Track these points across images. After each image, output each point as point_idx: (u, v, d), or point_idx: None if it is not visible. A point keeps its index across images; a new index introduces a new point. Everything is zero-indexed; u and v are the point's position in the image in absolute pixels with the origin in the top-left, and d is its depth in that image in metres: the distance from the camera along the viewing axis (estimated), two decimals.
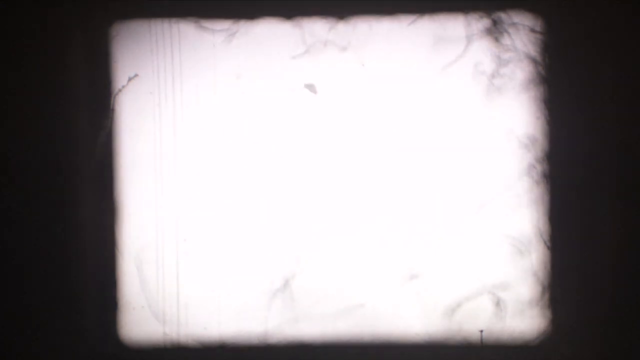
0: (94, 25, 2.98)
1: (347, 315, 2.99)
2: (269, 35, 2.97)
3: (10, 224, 2.99)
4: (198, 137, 3.00)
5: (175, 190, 3.01)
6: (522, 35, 2.91)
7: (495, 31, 2.92)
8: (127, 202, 3.01)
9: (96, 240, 3.00)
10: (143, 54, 2.99)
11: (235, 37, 2.97)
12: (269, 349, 3.00)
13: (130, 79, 2.97)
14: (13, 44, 2.96)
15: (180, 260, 3.01)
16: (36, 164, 2.97)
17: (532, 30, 2.90)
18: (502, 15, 2.91)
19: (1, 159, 2.98)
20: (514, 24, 2.91)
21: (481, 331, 2.95)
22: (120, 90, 2.98)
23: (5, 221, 2.99)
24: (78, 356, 3.01)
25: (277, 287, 3.00)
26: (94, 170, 2.99)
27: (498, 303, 2.94)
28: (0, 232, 2.99)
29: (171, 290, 3.01)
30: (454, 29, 2.92)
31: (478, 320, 2.95)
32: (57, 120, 2.97)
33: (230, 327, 3.01)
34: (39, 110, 2.97)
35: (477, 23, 2.91)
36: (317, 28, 2.96)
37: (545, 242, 2.92)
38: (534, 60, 2.91)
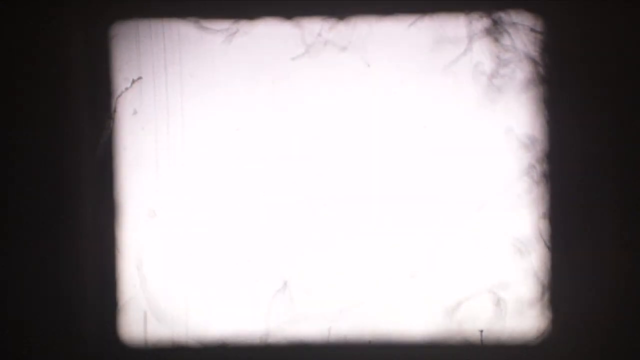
0: (94, 25, 2.98)
1: (347, 315, 2.99)
2: (269, 35, 2.97)
3: (10, 223, 2.99)
4: (198, 138, 3.00)
5: (176, 191, 3.01)
6: (522, 35, 2.91)
7: (495, 31, 2.92)
8: (127, 202, 3.01)
9: (96, 240, 3.00)
10: (143, 54, 2.99)
11: (235, 37, 2.98)
12: (269, 349, 3.00)
13: (134, 81, 2.97)
14: (13, 44, 2.97)
15: (180, 261, 3.01)
16: (37, 164, 2.97)
17: (532, 30, 2.90)
18: (502, 15, 2.91)
19: (2, 159, 2.98)
20: (514, 24, 2.91)
21: (481, 331, 2.95)
22: (123, 92, 2.98)
23: (5, 221, 2.99)
24: (78, 356, 3.00)
25: (277, 287, 3.00)
26: (94, 170, 2.99)
27: (498, 303, 2.94)
28: (1, 232, 2.99)
29: (171, 290, 3.01)
30: (455, 29, 2.92)
31: (478, 320, 2.96)
32: (57, 120, 2.97)
33: (230, 327, 3.01)
34: (39, 109, 2.97)
35: (477, 23, 2.92)
36: (317, 28, 2.96)
37: (545, 242, 2.92)
38: (534, 60, 2.91)
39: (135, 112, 2.99)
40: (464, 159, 2.95)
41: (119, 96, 2.99)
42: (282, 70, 2.97)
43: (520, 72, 2.92)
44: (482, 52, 2.92)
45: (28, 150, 2.97)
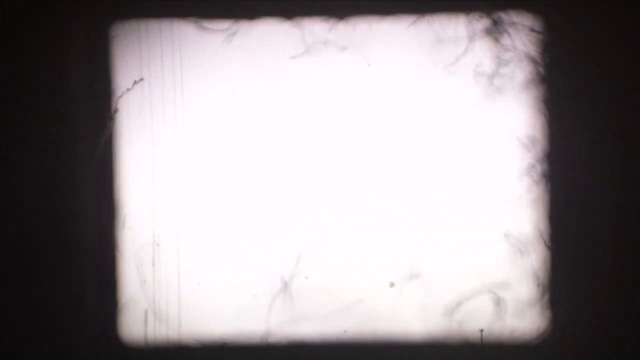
0: (94, 26, 2.98)
1: (347, 315, 2.99)
2: (269, 35, 2.97)
3: (10, 223, 2.99)
4: (198, 138, 3.00)
5: (176, 191, 3.01)
6: (522, 35, 2.91)
7: (495, 31, 2.92)
8: (126, 202, 3.01)
9: (96, 240, 3.00)
10: (144, 54, 2.99)
11: (235, 37, 2.97)
12: (269, 348, 3.00)
13: (135, 82, 2.97)
14: (13, 44, 2.96)
15: (180, 260, 3.01)
16: (36, 164, 2.97)
17: (532, 30, 2.90)
18: (502, 15, 2.91)
19: (1, 159, 2.98)
20: (514, 24, 2.91)
21: (481, 331, 2.95)
22: (124, 92, 2.98)
23: (5, 221, 2.99)
24: (78, 356, 3.00)
25: (277, 287, 3.00)
26: (94, 170, 2.99)
27: (498, 302, 2.94)
28: (0, 232, 2.99)
29: (171, 290, 3.01)
30: (454, 29, 2.92)
31: (478, 319, 2.96)
32: (57, 120, 2.97)
33: (230, 327, 3.01)
34: (39, 110, 2.97)
35: (477, 23, 2.92)
36: (317, 28, 2.96)
37: (545, 242, 2.92)
38: (534, 60, 2.91)
39: (135, 112, 2.99)
40: (464, 159, 2.95)
41: (120, 96, 2.99)
42: (282, 70, 2.97)
43: (520, 72, 2.92)
44: (482, 52, 2.92)
45: (28, 150, 2.97)
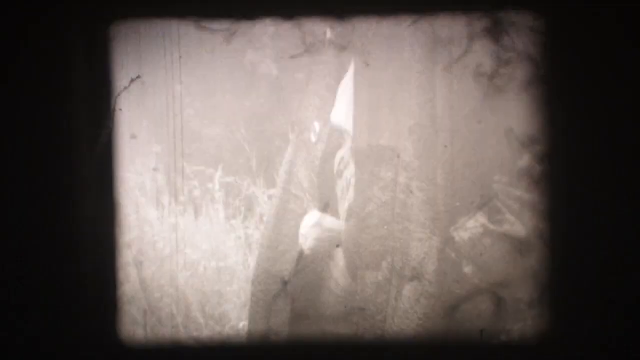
0: (94, 25, 2.98)
1: (347, 315, 2.99)
2: (269, 35, 2.97)
3: (10, 223, 2.99)
4: (198, 137, 3.00)
5: (176, 190, 3.01)
6: (522, 35, 2.91)
7: (495, 31, 2.92)
8: (127, 202, 3.01)
9: (96, 240, 3.00)
10: (143, 54, 2.99)
11: (235, 37, 2.98)
12: (269, 348, 3.00)
13: (132, 80, 2.97)
14: (13, 43, 2.97)
15: (180, 260, 3.01)
16: (36, 164, 2.97)
17: (532, 30, 2.91)
18: (502, 15, 2.91)
19: (1, 159, 2.98)
20: (514, 24, 2.91)
21: (481, 331, 2.95)
22: (122, 91, 2.98)
23: (5, 221, 2.99)
24: (78, 356, 3.00)
25: (277, 287, 3.00)
26: (94, 170, 2.99)
27: (498, 303, 2.95)
28: (0, 232, 2.99)
29: (171, 290, 3.01)
30: (455, 29, 2.92)
31: (478, 319, 2.96)
32: (57, 120, 2.97)
33: (230, 327, 3.01)
34: (39, 109, 2.97)
35: (478, 23, 2.92)
36: (317, 28, 2.96)
37: (545, 242, 2.92)
38: (534, 60, 2.91)
39: (135, 112, 3.00)
40: (464, 159, 2.95)
41: (119, 96, 2.99)
42: (282, 70, 2.98)
43: (520, 72, 2.92)
44: (483, 52, 2.92)
45: (28, 150, 2.97)
